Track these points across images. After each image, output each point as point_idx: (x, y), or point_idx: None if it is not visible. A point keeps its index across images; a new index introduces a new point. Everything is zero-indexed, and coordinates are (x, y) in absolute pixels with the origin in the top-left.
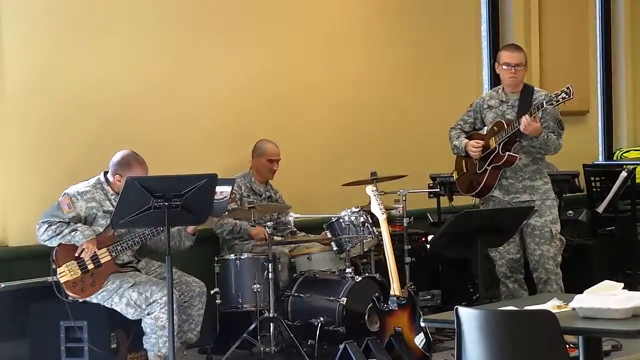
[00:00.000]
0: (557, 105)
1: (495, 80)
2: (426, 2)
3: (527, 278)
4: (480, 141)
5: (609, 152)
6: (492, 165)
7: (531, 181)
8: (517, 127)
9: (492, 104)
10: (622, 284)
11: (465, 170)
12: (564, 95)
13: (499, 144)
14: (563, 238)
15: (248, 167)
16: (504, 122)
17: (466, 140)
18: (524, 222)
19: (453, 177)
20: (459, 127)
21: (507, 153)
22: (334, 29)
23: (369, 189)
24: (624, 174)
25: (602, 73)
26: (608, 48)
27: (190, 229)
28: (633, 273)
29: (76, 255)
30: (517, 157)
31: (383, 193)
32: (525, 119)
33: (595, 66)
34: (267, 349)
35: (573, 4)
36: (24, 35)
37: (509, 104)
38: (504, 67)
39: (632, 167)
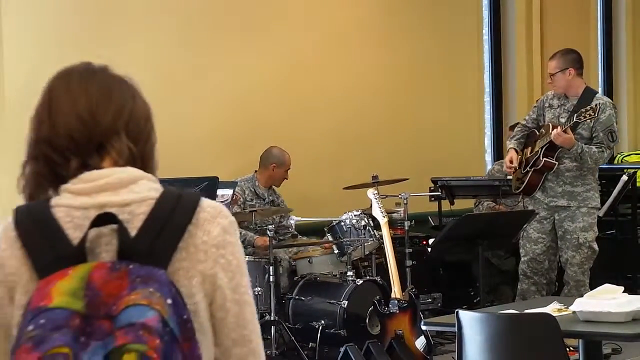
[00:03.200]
0: (584, 120)
1: (496, 84)
2: (429, 6)
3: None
4: (515, 162)
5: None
6: (533, 168)
7: (571, 187)
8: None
9: (554, 103)
10: (622, 288)
11: (517, 168)
12: (590, 112)
13: (541, 148)
14: (596, 247)
15: (251, 171)
16: (550, 127)
17: (512, 146)
18: (525, 226)
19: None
20: (524, 121)
21: (545, 159)
22: (337, 32)
23: (370, 192)
24: (624, 177)
25: (603, 78)
26: (609, 53)
27: None
28: (633, 277)
29: None
30: (555, 163)
31: (384, 196)
32: (555, 131)
33: (596, 71)
34: (268, 352)
35: (574, 10)
36: (24, 36)
37: (566, 107)
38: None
39: (632, 170)
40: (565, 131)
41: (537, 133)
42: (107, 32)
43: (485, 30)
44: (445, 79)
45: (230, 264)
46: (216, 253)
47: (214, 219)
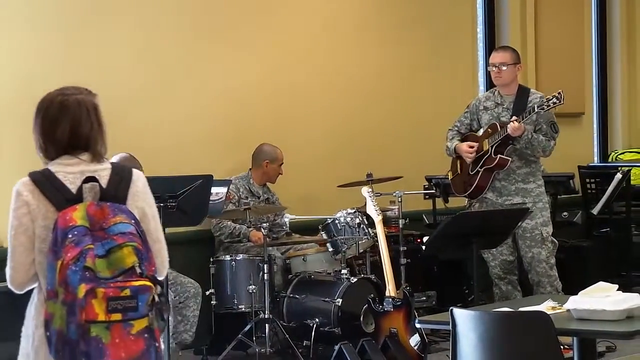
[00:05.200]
0: (548, 109)
1: (490, 82)
2: (422, 3)
3: (522, 279)
4: (475, 144)
5: (604, 154)
6: (484, 168)
7: (524, 184)
8: (507, 131)
9: (488, 105)
10: (616, 286)
11: (459, 171)
12: (554, 100)
13: (492, 147)
14: (555, 240)
15: (247, 169)
16: (497, 125)
17: (456, 143)
18: (520, 223)
19: (448, 177)
20: (456, 128)
21: (499, 156)
22: (330, 31)
23: (365, 190)
24: (618, 175)
25: (597, 75)
26: (603, 50)
27: None
28: (627, 274)
29: None
30: (509, 160)
31: (379, 194)
32: (512, 124)
33: (590, 68)
34: (262, 350)
35: (569, 6)
36: (13, 36)
37: (504, 106)
38: (490, 68)
39: (626, 168)
40: (517, 122)
41: (477, 135)
42: (99, 32)
43: (480, 28)
44: (439, 77)
45: (149, 202)
46: (142, 196)
47: (139, 178)
